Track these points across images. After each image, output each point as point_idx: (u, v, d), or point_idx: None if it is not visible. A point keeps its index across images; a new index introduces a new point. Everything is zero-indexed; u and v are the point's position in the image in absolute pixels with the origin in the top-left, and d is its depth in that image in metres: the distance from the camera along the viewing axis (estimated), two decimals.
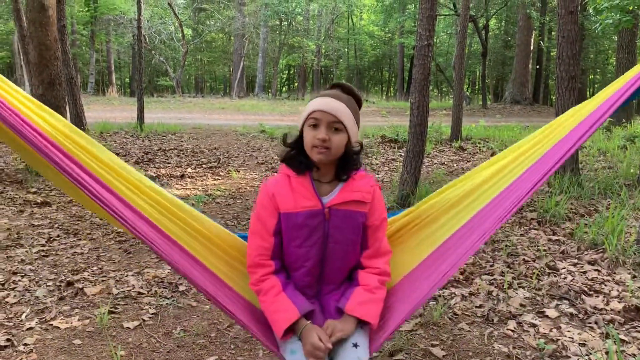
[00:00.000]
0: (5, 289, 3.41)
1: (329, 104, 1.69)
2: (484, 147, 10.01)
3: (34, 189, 6.07)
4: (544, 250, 4.18)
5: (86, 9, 25.84)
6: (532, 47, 23.69)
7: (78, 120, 9.99)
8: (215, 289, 1.77)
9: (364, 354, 1.67)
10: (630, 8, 7.62)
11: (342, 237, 1.77)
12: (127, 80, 38.94)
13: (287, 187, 1.76)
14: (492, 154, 9.29)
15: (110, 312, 3.10)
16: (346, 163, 1.77)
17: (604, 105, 1.85)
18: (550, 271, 3.77)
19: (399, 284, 1.94)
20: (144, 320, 3.04)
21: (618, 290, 3.39)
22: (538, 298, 3.34)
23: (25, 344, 2.72)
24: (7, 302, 3.22)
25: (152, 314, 3.14)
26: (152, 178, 7.08)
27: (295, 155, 1.77)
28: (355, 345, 1.68)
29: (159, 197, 1.95)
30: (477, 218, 1.89)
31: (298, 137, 1.78)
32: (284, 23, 30.66)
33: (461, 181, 2.12)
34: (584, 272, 3.72)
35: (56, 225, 4.82)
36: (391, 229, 2.11)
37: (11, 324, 2.94)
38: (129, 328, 2.95)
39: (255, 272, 1.78)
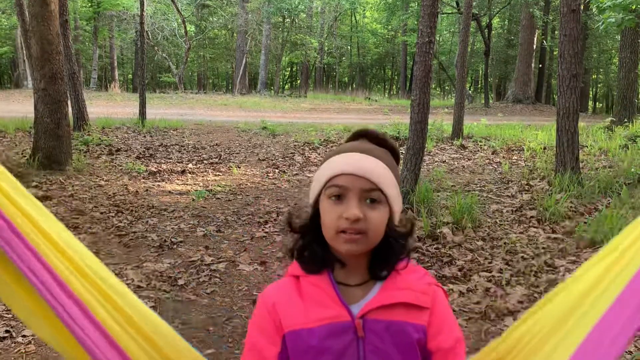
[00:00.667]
0: None
1: (361, 163, 1.11)
2: (485, 145, 10.01)
3: (34, 183, 6.09)
4: (543, 248, 4.19)
5: (89, 4, 25.83)
6: (534, 46, 23.65)
7: (80, 115, 10.02)
8: None
9: None
10: (634, 7, 7.60)
11: None
12: (130, 76, 38.93)
13: (295, 293, 1.15)
14: (493, 152, 9.29)
15: None
16: (387, 254, 1.14)
17: None
18: (548, 269, 3.77)
19: None
20: None
21: None
22: (536, 295, 3.35)
23: (24, 336, 2.74)
24: None
25: (150, 307, 3.13)
26: (152, 174, 7.10)
27: (308, 246, 1.17)
28: None
29: (113, 296, 1.33)
30: (599, 329, 1.15)
31: (311, 216, 1.18)
32: (287, 20, 30.62)
33: (564, 288, 1.35)
34: None
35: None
36: None
37: (10, 315, 2.96)
38: None
39: None
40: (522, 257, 4.00)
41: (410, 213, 5.02)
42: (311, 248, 1.16)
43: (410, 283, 1.14)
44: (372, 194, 1.09)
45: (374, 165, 1.11)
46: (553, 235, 4.52)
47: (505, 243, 4.29)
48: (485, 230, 4.68)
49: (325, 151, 9.03)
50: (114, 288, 1.34)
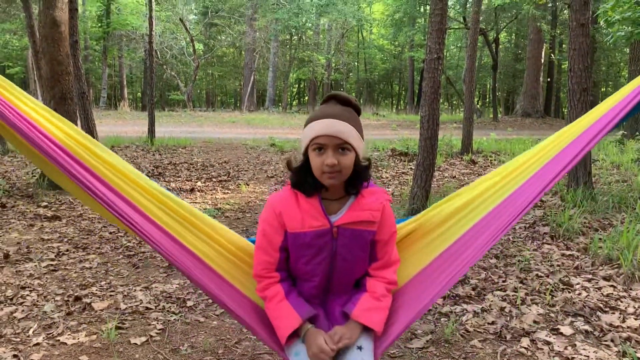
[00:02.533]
0: (14, 304, 3.39)
1: (333, 126, 1.64)
2: (495, 160, 9.94)
3: (44, 203, 6.10)
4: (558, 265, 4.10)
5: (99, 25, 26.20)
6: (542, 60, 23.63)
7: (89, 133, 9.98)
8: (222, 292, 1.79)
9: (368, 357, 1.68)
10: None
11: (350, 254, 1.77)
12: (139, 94, 39.29)
13: (295, 206, 1.74)
14: None
15: (117, 328, 3.08)
16: (355, 179, 1.74)
17: (609, 113, 1.83)
18: (564, 287, 3.69)
19: (403, 289, 1.94)
20: (151, 336, 3.01)
21: (634, 307, 3.31)
22: (552, 314, 3.27)
23: None
24: (15, 317, 3.21)
25: (159, 329, 3.10)
26: None
27: (304, 179, 1.73)
28: (360, 348, 1.69)
29: (169, 202, 1.96)
30: (480, 225, 1.89)
31: (303, 161, 1.73)
32: (295, 37, 30.87)
33: (465, 190, 2.11)
34: (599, 288, 3.64)
35: (66, 240, 4.82)
36: (398, 235, 2.06)
37: (18, 339, 2.92)
38: (136, 344, 2.91)
39: (260, 282, 1.80)
40: (536, 275, 3.92)
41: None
42: (306, 180, 1.72)
43: (370, 205, 1.76)
44: (342, 146, 1.65)
45: (342, 127, 1.65)
46: (567, 252, 4.43)
47: (519, 260, 4.21)
48: (499, 248, 4.60)
49: None
50: (168, 196, 1.98)
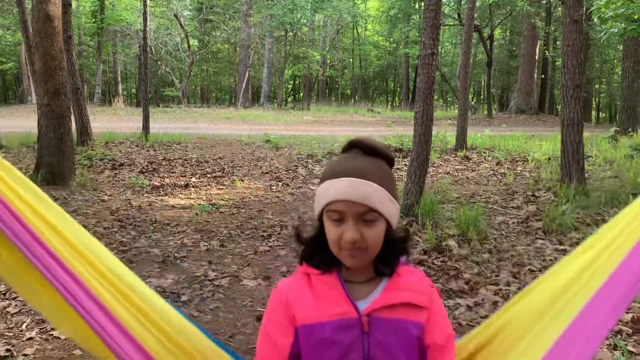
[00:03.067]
0: (7, 298, 3.39)
1: (354, 188, 1.19)
2: (489, 156, 9.97)
3: None
4: (550, 260, 4.13)
5: (93, 20, 26.08)
6: (537, 57, 23.69)
7: (84, 130, 10.05)
8: None
9: None
10: (636, 17, 7.59)
11: (390, 357, 1.23)
12: (134, 90, 39.15)
13: (307, 290, 1.27)
14: (497, 163, 9.24)
15: None
16: (388, 255, 1.27)
17: None
18: None
19: None
20: None
21: None
22: None
23: (25, 355, 2.70)
24: (8, 311, 3.21)
25: None
26: (155, 188, 7.08)
27: (316, 251, 1.29)
28: None
29: (137, 300, 1.50)
30: (578, 324, 1.28)
31: (318, 229, 1.30)
32: (290, 34, 30.81)
33: (543, 281, 1.48)
34: None
35: None
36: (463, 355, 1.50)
37: (11, 334, 2.92)
38: None
39: None
40: (529, 269, 3.94)
41: (414, 225, 4.98)
42: (320, 253, 1.27)
43: (411, 285, 1.27)
44: (367, 216, 1.19)
45: (368, 189, 1.19)
46: (560, 247, 4.46)
47: (512, 255, 4.24)
48: (492, 243, 4.63)
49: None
50: (132, 286, 1.52)
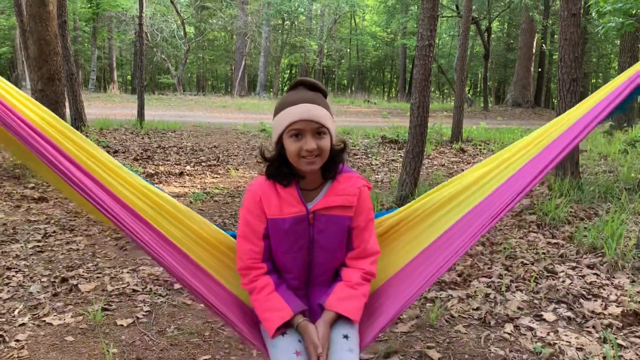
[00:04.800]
0: None
1: (310, 111, 1.63)
2: (484, 149, 9.99)
3: (31, 185, 6.05)
4: (543, 253, 4.15)
5: (88, 5, 25.80)
6: (534, 50, 23.66)
7: (78, 116, 9.97)
8: (204, 286, 1.76)
9: (354, 345, 1.68)
10: (634, 12, 7.57)
11: (327, 241, 1.76)
12: (129, 77, 38.91)
13: (274, 192, 1.73)
14: None
15: (104, 309, 3.08)
16: (332, 163, 1.73)
17: (600, 104, 1.82)
18: (548, 274, 3.74)
19: (387, 283, 1.93)
20: (137, 318, 3.01)
21: (616, 295, 3.36)
22: (536, 301, 3.31)
23: (17, 340, 2.69)
24: (0, 297, 3.20)
25: (146, 311, 3.11)
26: (150, 176, 7.06)
27: (279, 168, 1.72)
28: (346, 337, 1.68)
29: (151, 194, 1.88)
30: (469, 217, 1.86)
31: (278, 149, 1.71)
32: (287, 22, 30.62)
33: (454, 180, 2.06)
34: (583, 276, 3.69)
35: (52, 221, 4.80)
36: (381, 228, 2.05)
37: (3, 319, 2.92)
38: (122, 325, 2.92)
39: (248, 274, 1.76)
40: (522, 262, 3.96)
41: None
42: (281, 170, 1.72)
43: (345, 190, 1.75)
44: (319, 129, 1.64)
45: (320, 111, 1.64)
46: (553, 241, 4.48)
47: (505, 248, 4.26)
48: (485, 235, 4.64)
49: None
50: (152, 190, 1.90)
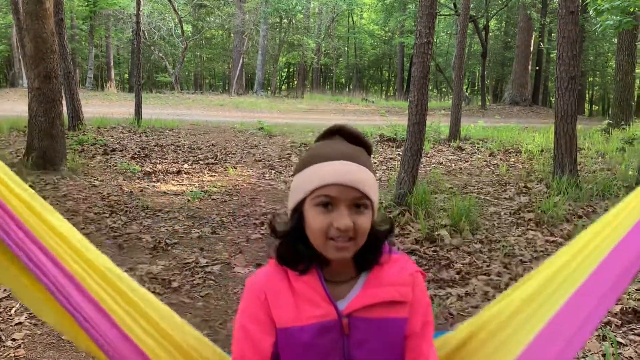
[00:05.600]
0: None
1: (350, 173, 1.11)
2: (482, 147, 9.99)
3: (28, 183, 6.02)
4: (541, 251, 4.15)
5: (85, 3, 25.72)
6: (532, 49, 23.69)
7: (75, 114, 9.95)
8: None
9: None
10: (631, 10, 7.58)
11: (370, 357, 1.18)
12: (126, 75, 38.83)
13: (286, 289, 1.18)
14: (490, 154, 9.26)
15: None
16: (371, 249, 1.19)
17: None
18: None
19: None
20: None
21: None
22: None
23: (14, 339, 2.68)
24: None
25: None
26: (147, 174, 7.04)
27: (294, 247, 1.18)
28: None
29: (129, 293, 1.41)
30: (561, 316, 1.25)
31: (295, 221, 1.18)
32: (284, 20, 30.57)
33: (530, 278, 1.43)
34: None
35: None
36: (442, 353, 1.43)
37: (0, 318, 2.90)
38: None
39: None
40: (520, 260, 3.96)
41: (407, 215, 4.98)
42: (297, 251, 1.17)
43: (393, 278, 1.19)
44: (359, 201, 1.12)
45: (363, 174, 1.13)
46: (551, 239, 4.48)
47: (503, 246, 4.25)
48: (483, 233, 4.64)
49: None
50: (119, 277, 1.43)
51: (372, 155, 1.24)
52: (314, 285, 1.16)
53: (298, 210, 1.17)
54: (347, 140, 1.19)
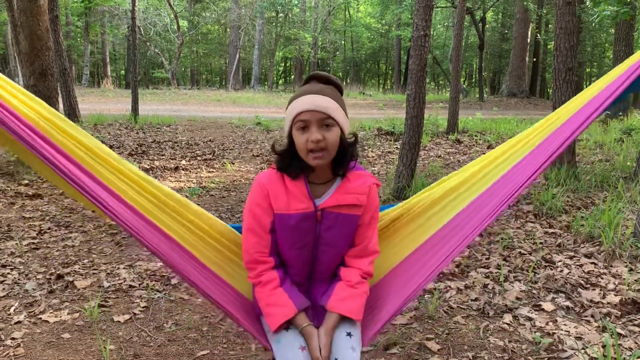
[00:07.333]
0: None
1: (314, 101, 1.59)
2: (480, 139, 9.97)
3: (25, 181, 6.00)
4: (540, 243, 4.15)
5: (80, 0, 25.60)
6: (529, 40, 23.60)
7: (72, 111, 9.90)
8: (205, 280, 1.74)
9: (357, 343, 1.67)
10: (628, 0, 7.55)
11: (334, 239, 1.73)
12: (123, 72, 38.66)
13: (281, 186, 1.69)
14: (489, 147, 9.24)
15: (100, 306, 3.06)
16: (342, 157, 1.69)
17: (601, 95, 1.74)
18: (546, 264, 3.73)
19: (387, 277, 1.92)
20: (134, 314, 2.99)
21: (615, 284, 3.36)
22: (534, 291, 3.31)
23: (13, 338, 2.67)
24: None
25: (143, 307, 3.09)
26: (145, 171, 7.02)
27: (290, 161, 1.68)
28: (349, 335, 1.67)
29: (148, 186, 1.85)
30: (470, 209, 1.84)
31: (288, 143, 1.67)
32: (280, 15, 30.46)
33: (455, 174, 2.04)
34: (581, 265, 3.69)
35: (47, 218, 4.76)
36: (382, 222, 2.03)
37: None
38: (119, 322, 2.90)
39: (255, 268, 1.73)
40: (519, 252, 3.96)
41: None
42: (291, 163, 1.67)
43: (356, 188, 1.71)
44: (326, 121, 1.60)
45: (324, 101, 1.60)
46: (550, 230, 4.48)
47: (502, 238, 4.25)
48: None
49: None
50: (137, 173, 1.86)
51: (342, 94, 1.72)
52: (300, 187, 1.68)
53: (289, 135, 1.66)
54: (320, 82, 1.68)
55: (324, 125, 1.59)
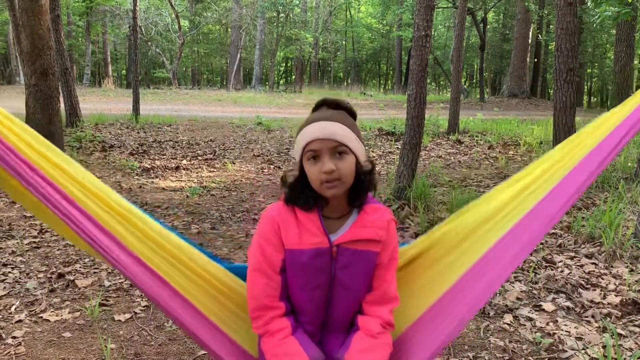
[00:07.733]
0: None
1: (324, 128, 1.45)
2: (481, 140, 9.97)
3: None
4: (541, 243, 4.15)
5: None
6: (530, 41, 23.60)
7: (73, 111, 9.91)
8: (207, 334, 1.60)
9: None
10: (630, 0, 7.55)
11: (351, 280, 1.55)
12: (124, 72, 38.71)
13: (293, 219, 1.53)
14: (489, 147, 9.25)
15: (101, 305, 3.06)
16: (359, 187, 1.54)
17: (633, 115, 1.52)
18: (547, 264, 3.74)
19: (407, 333, 1.69)
20: (135, 313, 3.00)
21: (615, 284, 3.36)
22: (535, 292, 3.31)
23: (14, 337, 2.67)
24: None
25: (144, 306, 3.09)
26: (146, 170, 7.03)
27: (301, 193, 1.52)
28: None
29: (143, 226, 1.66)
30: (498, 248, 1.58)
31: (299, 174, 1.53)
32: (282, 15, 30.46)
33: (478, 204, 1.76)
34: (581, 266, 3.69)
35: None
36: (400, 261, 1.75)
37: (0, 316, 2.89)
38: (120, 321, 2.90)
39: (263, 316, 1.54)
40: None
41: (406, 208, 4.98)
42: (303, 195, 1.52)
43: (374, 222, 1.55)
44: (338, 149, 1.45)
45: (336, 127, 1.46)
46: (551, 231, 4.48)
47: None
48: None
49: None
50: (142, 219, 1.68)
51: (355, 119, 1.57)
52: (314, 220, 1.52)
53: (300, 167, 1.52)
54: (331, 107, 1.55)
55: (337, 154, 1.45)
